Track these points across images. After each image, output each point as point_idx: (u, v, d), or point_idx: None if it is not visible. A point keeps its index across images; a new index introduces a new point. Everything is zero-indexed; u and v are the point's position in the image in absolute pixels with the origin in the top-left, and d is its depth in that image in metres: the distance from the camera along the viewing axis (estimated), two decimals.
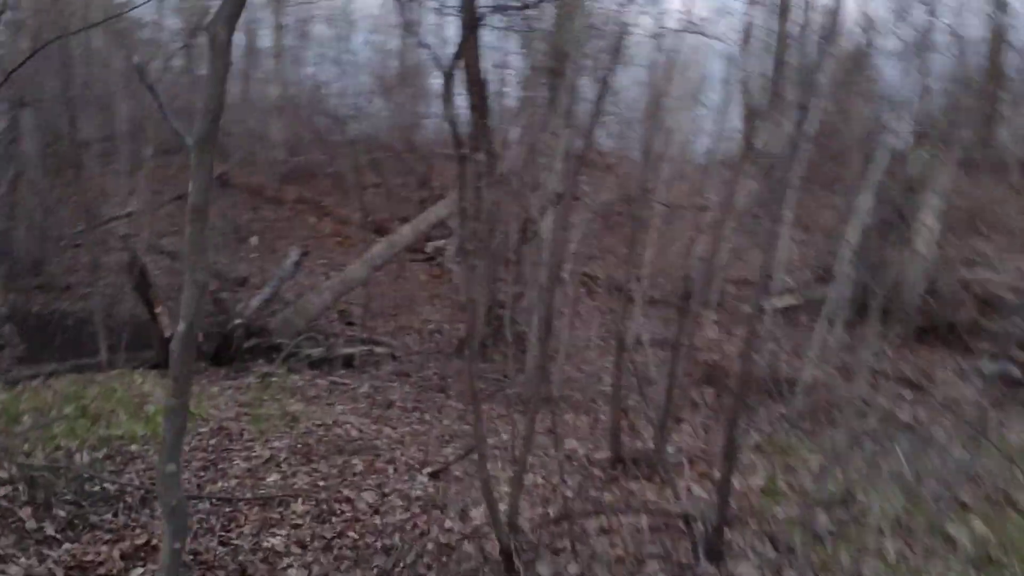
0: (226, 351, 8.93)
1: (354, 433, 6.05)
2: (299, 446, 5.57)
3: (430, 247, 14.13)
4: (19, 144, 11.53)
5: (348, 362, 9.14)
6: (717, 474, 4.44)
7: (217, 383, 8.04)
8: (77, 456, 5.19)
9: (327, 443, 5.69)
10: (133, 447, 5.43)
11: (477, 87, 9.71)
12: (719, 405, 7.61)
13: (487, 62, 10.52)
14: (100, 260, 10.20)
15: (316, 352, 9.19)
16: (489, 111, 9.96)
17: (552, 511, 4.52)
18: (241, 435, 5.89)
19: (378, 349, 9.59)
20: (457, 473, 5.19)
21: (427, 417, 7.01)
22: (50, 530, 3.80)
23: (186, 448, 5.53)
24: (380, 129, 17.98)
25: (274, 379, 8.26)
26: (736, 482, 4.69)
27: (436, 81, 20.15)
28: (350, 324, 10.97)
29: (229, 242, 13.57)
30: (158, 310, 8.68)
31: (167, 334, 8.62)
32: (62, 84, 12.29)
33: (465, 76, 9.65)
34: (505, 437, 5.94)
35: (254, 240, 14.10)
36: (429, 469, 5.21)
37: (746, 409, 7.64)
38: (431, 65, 19.95)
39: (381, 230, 14.00)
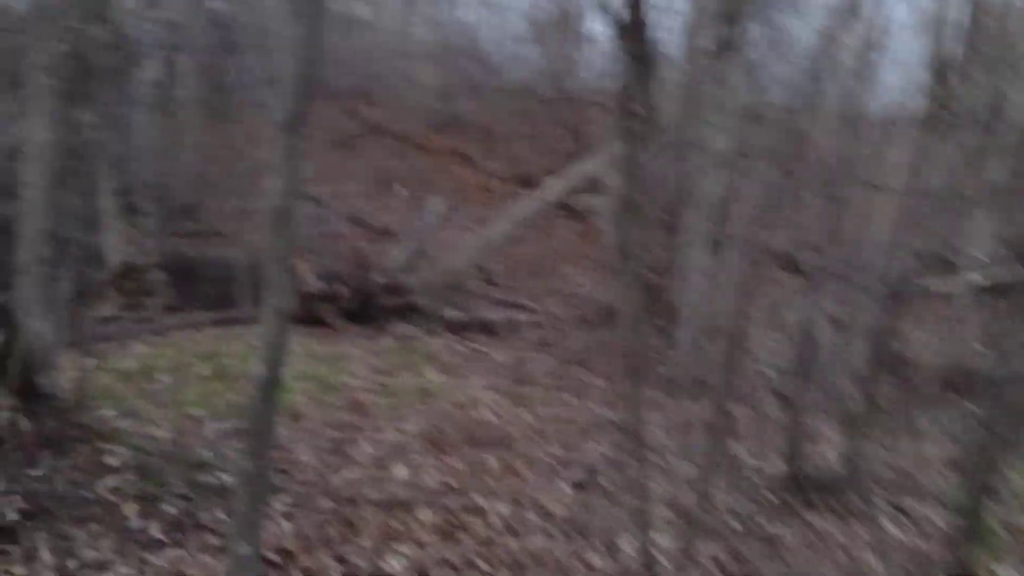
0: (366, 309, 8.57)
1: (490, 417, 5.48)
2: (431, 431, 5.03)
3: (578, 203, 13.35)
4: (175, 89, 11.51)
5: (487, 327, 8.59)
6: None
7: (354, 343, 7.68)
8: (205, 427, 4.87)
9: (461, 429, 5.13)
10: None
11: (638, 33, 8.79)
12: (904, 404, 6.57)
13: (650, 5, 9.54)
14: (247, 207, 10.03)
15: (455, 315, 8.69)
16: (652, 59, 9.02)
17: (721, 551, 3.75)
18: (371, 411, 5.43)
19: (520, 316, 9.00)
20: (604, 482, 4.52)
21: (570, 399, 6.35)
22: (155, 531, 3.40)
23: (315, 422, 5.12)
24: (532, 77, 17.21)
25: (413, 342, 7.82)
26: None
27: (592, 26, 19.13)
28: (491, 284, 10.42)
29: (373, 190, 13.29)
30: (298, 262, 8.39)
31: (307, 287, 8.34)
32: (219, 30, 12.17)
33: (627, 21, 8.72)
34: (660, 435, 5.21)
35: (401, 189, 13.77)
36: (572, 478, 4.55)
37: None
38: (587, 9, 18.97)
39: (528, 183, 13.34)
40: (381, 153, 14.29)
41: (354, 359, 6.97)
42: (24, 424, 3.45)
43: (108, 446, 3.78)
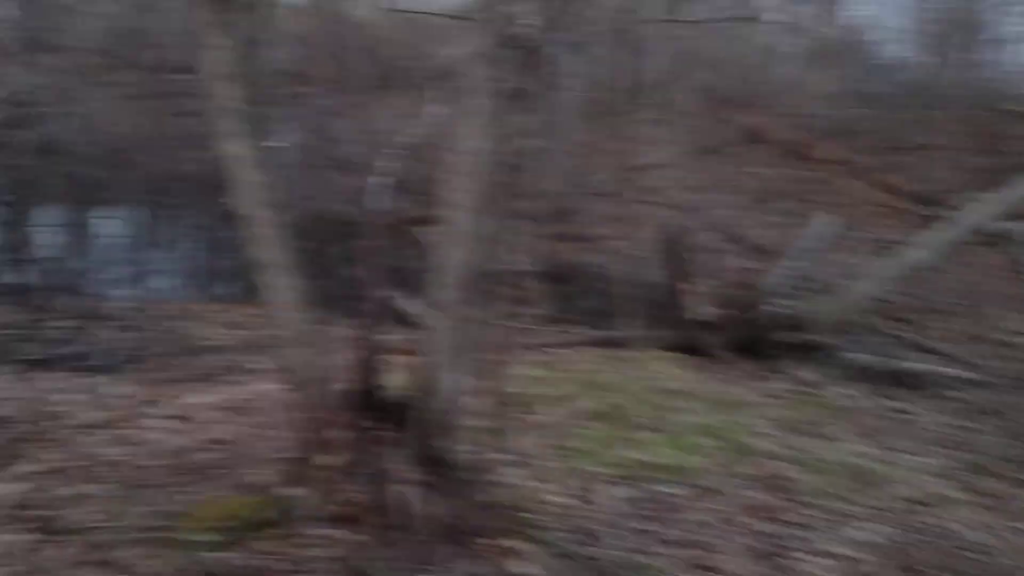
0: (755, 343, 7.30)
1: (967, 533, 3.95)
2: (894, 550, 3.66)
3: (991, 229, 10.84)
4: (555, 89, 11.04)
5: (905, 379, 6.89)
6: None
7: (746, 385, 6.46)
8: (599, 491, 3.97)
9: (937, 552, 3.69)
10: (668, 491, 4.04)
11: None
12: None
13: None
14: (629, 214, 9.22)
15: (864, 359, 7.11)
16: None
17: None
18: (795, 495, 4.18)
19: (945, 368, 7.15)
20: None
21: None
22: None
23: (730, 503, 4.00)
24: (934, 81, 14.67)
25: (814, 391, 6.42)
26: None
27: (1010, 23, 15.97)
28: (900, 322, 8.61)
29: (752, 203, 11.92)
30: (684, 285, 7.35)
31: (691, 315, 7.27)
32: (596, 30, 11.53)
33: None
34: None
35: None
36: None
37: None
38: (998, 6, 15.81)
39: (933, 203, 11.15)
40: (759, 163, 12.85)
41: (751, 408, 5.75)
42: (418, 503, 2.73)
43: (512, 541, 2.94)
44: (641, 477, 4.13)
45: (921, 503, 4.21)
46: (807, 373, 6.77)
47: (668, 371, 6.49)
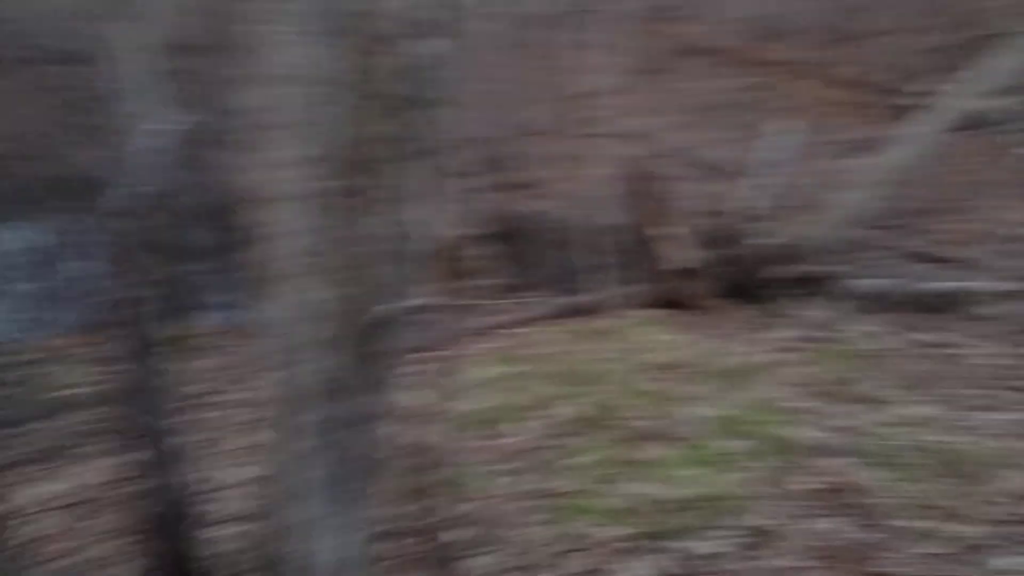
0: (745, 284, 6.01)
1: None
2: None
3: (980, 116, 9.61)
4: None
5: (921, 302, 5.65)
6: None
7: (747, 339, 5.17)
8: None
9: None
10: (710, 550, 2.72)
11: None
12: None
13: None
14: (574, 151, 7.76)
15: (878, 285, 5.87)
16: None
17: None
18: (884, 519, 2.89)
19: (972, 284, 5.91)
20: None
21: None
22: None
23: (786, 560, 2.70)
24: None
25: (833, 335, 5.16)
26: None
27: None
28: (901, 231, 7.38)
29: (696, 119, 10.50)
30: (657, 231, 5.99)
31: (669, 265, 5.92)
32: None
33: None
34: None
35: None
36: None
37: None
38: None
39: (896, 92, 9.89)
40: (700, 75, 11.42)
41: (766, 373, 4.46)
42: None
43: None
44: (667, 530, 2.79)
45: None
46: (815, 312, 5.51)
47: (654, 338, 5.16)
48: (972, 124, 9.49)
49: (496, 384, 4.30)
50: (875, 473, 3.17)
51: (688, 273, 5.95)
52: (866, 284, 5.86)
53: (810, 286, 5.89)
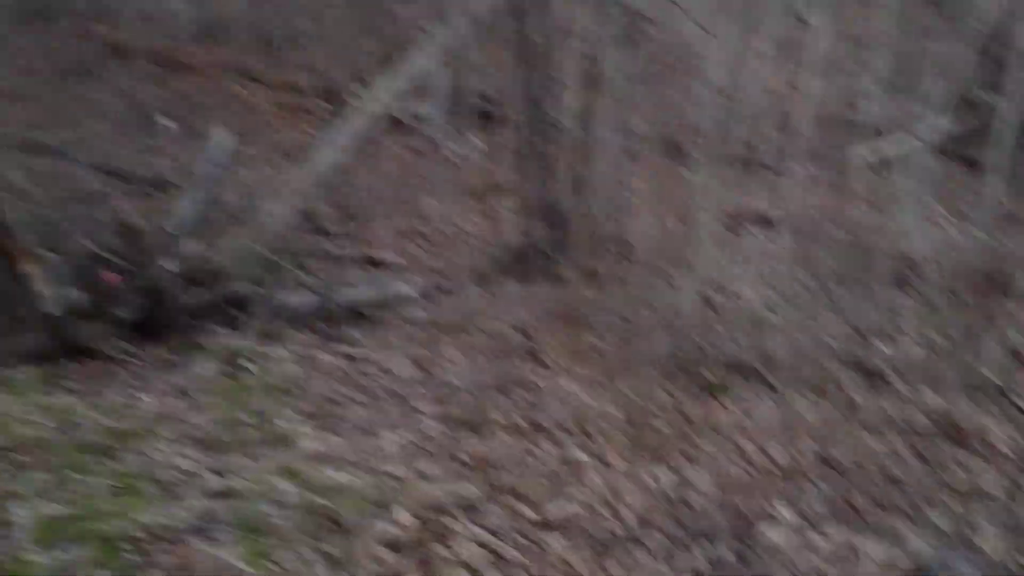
0: (157, 314, 5.08)
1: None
2: None
3: (405, 114, 9.95)
4: None
5: (356, 312, 5.37)
6: None
7: (150, 386, 4.28)
8: None
9: None
10: None
11: None
12: None
13: None
14: None
15: (302, 300, 5.43)
16: None
17: None
18: None
19: (400, 286, 5.77)
20: None
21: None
22: None
23: None
24: None
25: (248, 364, 4.53)
26: None
27: None
28: (325, 234, 7.11)
29: (131, 128, 9.22)
30: (26, 267, 4.71)
31: (48, 305, 4.70)
32: None
33: None
34: None
35: (166, 121, 9.66)
36: None
37: None
38: None
39: (335, 97, 9.82)
40: (131, 80, 10.08)
41: (156, 430, 3.63)
42: None
43: None
44: None
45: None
46: (234, 339, 4.83)
47: (33, 400, 3.94)
48: (406, 124, 9.88)
49: None
50: (236, 550, 2.55)
51: (84, 313, 4.82)
52: (294, 300, 5.39)
53: (234, 308, 5.22)
